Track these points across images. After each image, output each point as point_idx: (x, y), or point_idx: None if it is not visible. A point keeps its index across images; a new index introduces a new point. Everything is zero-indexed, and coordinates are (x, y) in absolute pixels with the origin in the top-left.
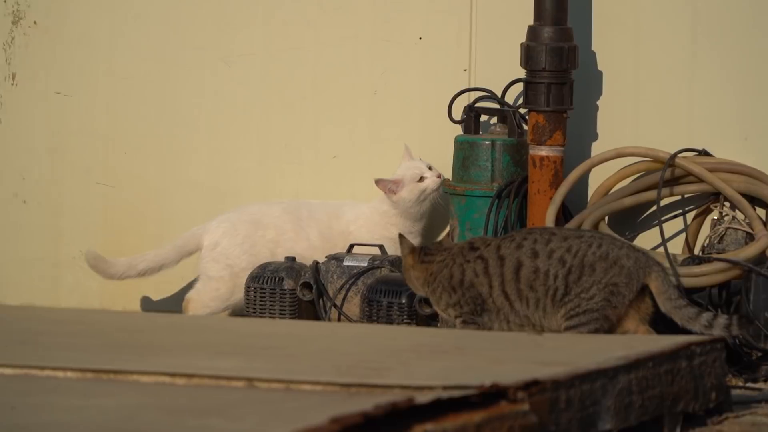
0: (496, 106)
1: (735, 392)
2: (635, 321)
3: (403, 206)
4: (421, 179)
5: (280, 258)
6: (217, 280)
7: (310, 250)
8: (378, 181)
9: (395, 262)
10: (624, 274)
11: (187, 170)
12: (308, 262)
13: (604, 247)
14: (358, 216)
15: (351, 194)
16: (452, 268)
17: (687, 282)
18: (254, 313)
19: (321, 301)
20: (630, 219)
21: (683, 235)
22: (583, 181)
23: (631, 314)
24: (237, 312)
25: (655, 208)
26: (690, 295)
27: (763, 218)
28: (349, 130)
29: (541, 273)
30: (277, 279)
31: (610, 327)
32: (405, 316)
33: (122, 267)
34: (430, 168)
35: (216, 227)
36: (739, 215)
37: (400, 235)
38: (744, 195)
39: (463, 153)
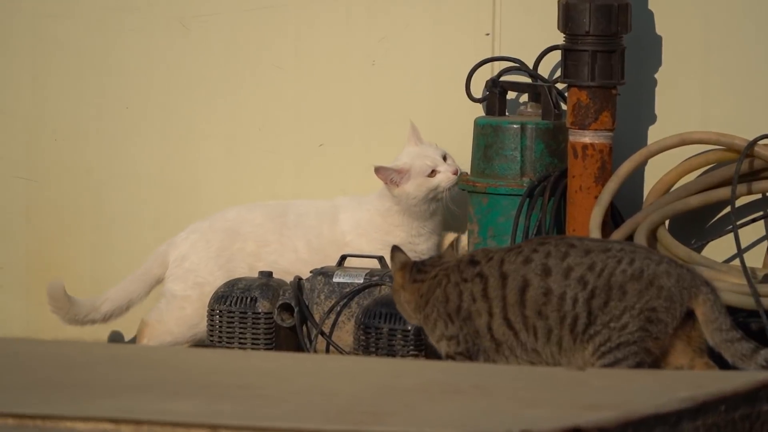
0: (527, 80)
1: None
2: (688, 353)
3: (406, 203)
4: (433, 173)
5: None
6: (183, 299)
7: (298, 263)
8: (378, 169)
9: None
10: (663, 296)
11: (132, 161)
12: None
13: (638, 262)
14: (356, 220)
15: (341, 191)
16: (446, 287)
17: None
18: (220, 342)
19: (305, 328)
20: (697, 223)
21: (765, 243)
22: (637, 175)
23: (680, 346)
24: (200, 342)
25: (728, 209)
26: (747, 325)
27: None
28: (340, 111)
29: (554, 296)
30: (249, 299)
31: (654, 363)
32: (411, 347)
33: (84, 308)
34: (444, 158)
35: (184, 239)
36: None
37: (394, 248)
38: None
39: (485, 140)
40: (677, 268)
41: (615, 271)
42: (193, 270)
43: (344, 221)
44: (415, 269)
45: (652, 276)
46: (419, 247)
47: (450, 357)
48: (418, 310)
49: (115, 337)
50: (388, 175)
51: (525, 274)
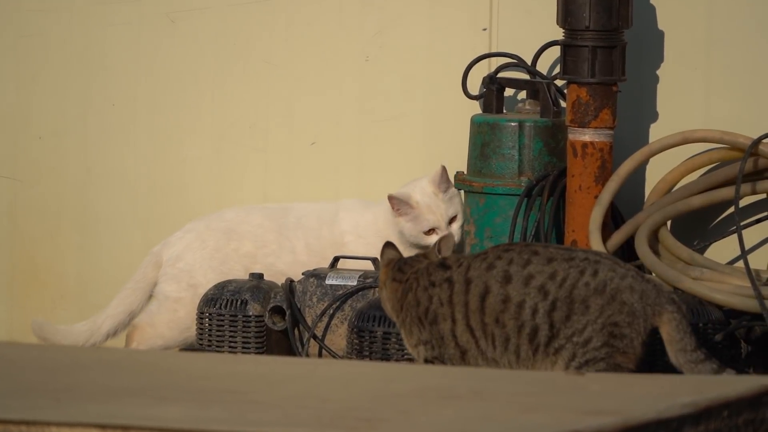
0: (525, 76)
1: None
2: None
3: (399, 231)
4: (431, 232)
5: None
6: (176, 301)
7: (296, 265)
8: (391, 198)
9: None
10: (626, 312)
11: (119, 159)
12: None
13: (601, 274)
14: (356, 222)
15: (334, 192)
16: (417, 291)
17: None
18: (209, 346)
19: (296, 331)
20: (700, 224)
21: None
22: (638, 174)
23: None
24: (191, 346)
25: (732, 209)
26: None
27: None
28: (333, 108)
29: (512, 304)
30: (239, 302)
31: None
32: (406, 351)
33: (83, 335)
34: (453, 219)
35: (179, 238)
36: None
37: (386, 244)
38: None
39: (482, 138)
40: (642, 283)
41: (578, 284)
42: (188, 270)
43: (344, 220)
44: (396, 268)
45: (615, 290)
46: None
47: (429, 362)
48: (395, 313)
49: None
50: (397, 205)
51: (486, 281)
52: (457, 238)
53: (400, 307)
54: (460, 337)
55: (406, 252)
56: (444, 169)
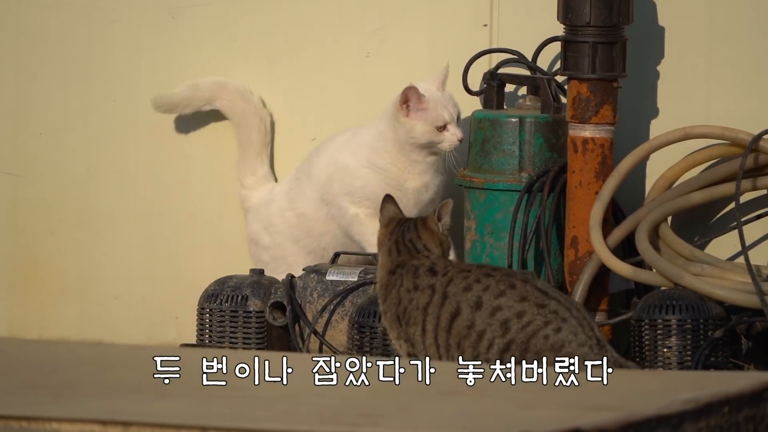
0: (526, 72)
1: None
2: None
3: (405, 137)
4: (443, 128)
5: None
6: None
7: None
8: (410, 88)
9: None
10: None
11: (119, 156)
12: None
13: (562, 334)
14: (351, 135)
15: None
16: (400, 291)
17: None
18: (210, 342)
19: (297, 327)
20: (700, 220)
21: None
22: (639, 170)
23: None
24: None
25: (733, 205)
26: None
27: None
28: (333, 104)
29: (474, 331)
30: (239, 298)
31: None
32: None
33: None
34: (457, 118)
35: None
36: None
37: (386, 198)
38: None
39: (483, 134)
40: (603, 353)
41: (538, 333)
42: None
43: (340, 137)
44: (394, 241)
45: (570, 355)
46: (407, 184)
47: (412, 356)
48: (380, 299)
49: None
50: (412, 98)
51: (460, 302)
52: (460, 134)
53: (383, 298)
54: (428, 347)
55: (409, 166)
56: (448, 67)
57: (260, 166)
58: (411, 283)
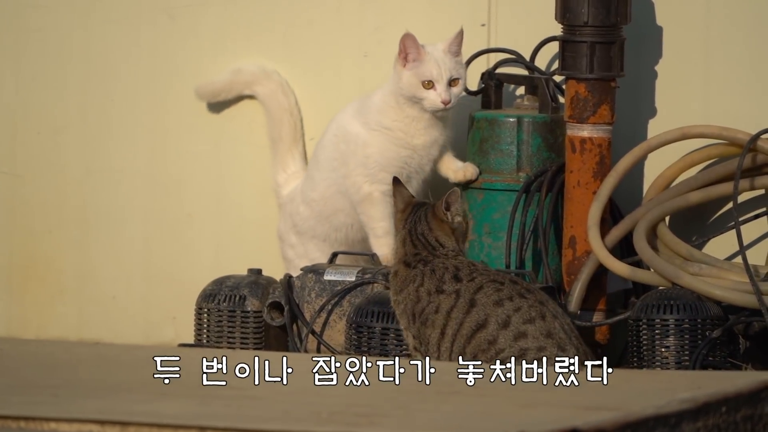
0: (524, 72)
1: None
2: None
3: (395, 87)
4: (429, 85)
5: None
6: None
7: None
8: (408, 35)
9: None
10: None
11: (118, 155)
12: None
13: None
14: (362, 100)
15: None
16: (419, 289)
17: None
18: (208, 342)
19: (295, 327)
20: (698, 220)
21: None
22: (637, 170)
23: None
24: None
25: (731, 205)
26: None
27: None
28: (331, 104)
29: (494, 348)
30: (237, 298)
31: None
32: (404, 346)
33: None
34: (453, 81)
35: None
36: None
37: (395, 180)
38: None
39: (481, 134)
40: None
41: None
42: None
43: (347, 109)
44: (408, 231)
45: None
46: (414, 141)
47: (417, 350)
48: (393, 291)
49: (69, 326)
50: (410, 48)
51: (489, 315)
52: (453, 101)
53: (399, 289)
54: (442, 353)
55: (412, 122)
56: (462, 32)
57: (291, 163)
58: (434, 287)
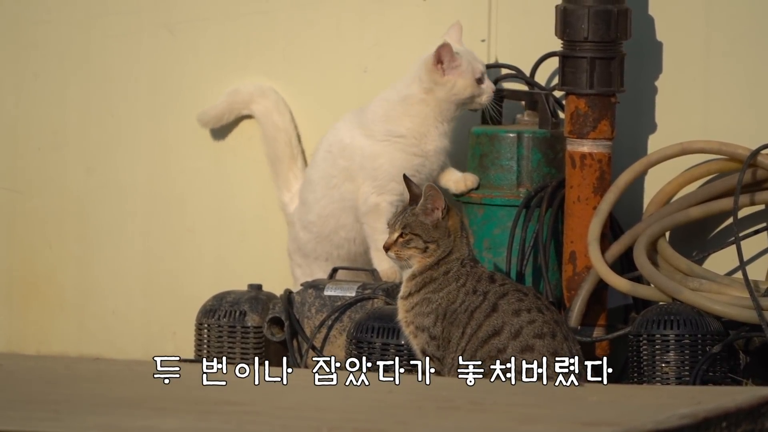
0: (524, 87)
1: None
2: None
3: (445, 95)
4: (480, 81)
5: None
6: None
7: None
8: (444, 46)
9: (392, 292)
10: None
11: (118, 170)
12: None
13: None
14: (369, 110)
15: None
16: (459, 290)
17: None
18: (208, 357)
19: (295, 342)
20: (698, 235)
21: None
22: (637, 185)
23: None
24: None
25: (731, 221)
26: None
27: None
28: (332, 119)
29: (502, 357)
30: (237, 313)
31: None
32: (404, 361)
33: None
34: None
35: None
36: None
37: (404, 179)
38: None
39: (481, 149)
40: None
41: None
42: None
43: (339, 128)
44: (467, 234)
45: None
46: (428, 147)
47: (425, 354)
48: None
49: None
50: (445, 57)
51: (505, 323)
52: (493, 86)
53: (439, 287)
54: (458, 351)
55: (432, 130)
56: (460, 23)
57: (294, 181)
58: (472, 287)
